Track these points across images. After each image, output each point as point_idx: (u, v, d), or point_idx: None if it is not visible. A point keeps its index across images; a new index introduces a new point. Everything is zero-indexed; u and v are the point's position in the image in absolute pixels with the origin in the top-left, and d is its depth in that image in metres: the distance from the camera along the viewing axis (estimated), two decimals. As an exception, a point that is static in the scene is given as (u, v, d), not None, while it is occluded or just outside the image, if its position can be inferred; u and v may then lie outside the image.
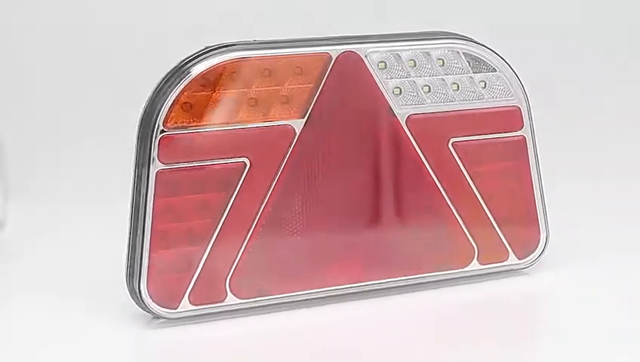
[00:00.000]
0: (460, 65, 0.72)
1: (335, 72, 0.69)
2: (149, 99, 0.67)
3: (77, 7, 1.10)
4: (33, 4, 1.10)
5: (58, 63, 1.10)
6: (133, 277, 0.67)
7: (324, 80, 0.68)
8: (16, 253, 0.86)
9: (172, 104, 0.65)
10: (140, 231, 0.67)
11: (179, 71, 0.66)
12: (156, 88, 0.67)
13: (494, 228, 0.74)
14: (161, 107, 0.65)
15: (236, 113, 0.67)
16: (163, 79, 0.67)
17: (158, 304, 0.67)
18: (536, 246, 0.75)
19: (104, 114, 1.09)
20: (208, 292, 0.68)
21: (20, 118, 1.08)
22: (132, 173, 0.67)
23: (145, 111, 0.67)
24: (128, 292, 0.68)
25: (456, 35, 0.73)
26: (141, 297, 0.67)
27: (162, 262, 0.67)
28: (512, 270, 0.75)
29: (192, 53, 0.67)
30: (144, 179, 0.66)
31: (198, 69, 0.66)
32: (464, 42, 0.72)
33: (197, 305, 0.68)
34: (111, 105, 1.09)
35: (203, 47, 0.67)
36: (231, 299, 0.69)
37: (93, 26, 1.10)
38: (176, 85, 0.66)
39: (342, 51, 0.69)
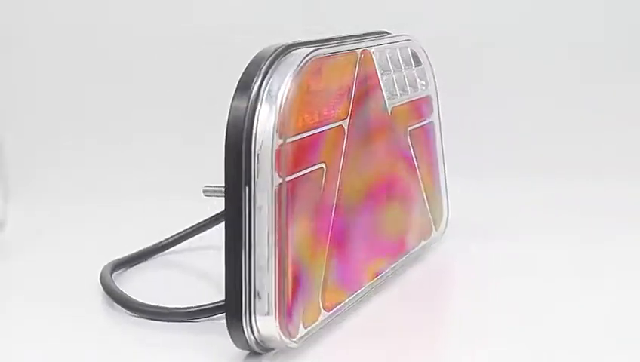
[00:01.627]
0: (409, 61, 0.77)
1: (360, 70, 0.69)
2: (240, 108, 0.59)
3: (76, 6, 1.08)
4: (33, 4, 1.07)
5: (58, 63, 1.07)
6: (247, 311, 0.59)
7: (355, 78, 0.68)
8: (16, 252, 0.85)
9: (281, 112, 0.59)
10: (257, 258, 0.59)
11: (268, 75, 0.60)
12: (245, 96, 0.59)
13: (426, 206, 0.81)
14: (279, 116, 0.59)
15: (314, 116, 0.63)
16: (251, 86, 0.59)
17: (283, 335, 0.60)
18: (442, 220, 0.84)
19: (104, 114, 1.07)
20: (311, 312, 0.63)
21: (20, 118, 1.06)
22: (229, 193, 0.59)
23: (243, 124, 0.59)
24: (230, 330, 0.60)
25: (390, 32, 0.78)
26: (268, 332, 0.60)
27: (288, 288, 0.60)
28: (431, 244, 0.83)
29: (270, 53, 0.61)
30: (265, 196, 0.58)
31: (296, 72, 0.60)
32: (410, 39, 0.78)
33: (307, 328, 0.63)
34: (111, 104, 1.07)
35: (279, 46, 0.62)
36: (323, 315, 0.65)
37: (93, 25, 1.08)
38: (277, 91, 0.60)
39: (361, 50, 0.69)
